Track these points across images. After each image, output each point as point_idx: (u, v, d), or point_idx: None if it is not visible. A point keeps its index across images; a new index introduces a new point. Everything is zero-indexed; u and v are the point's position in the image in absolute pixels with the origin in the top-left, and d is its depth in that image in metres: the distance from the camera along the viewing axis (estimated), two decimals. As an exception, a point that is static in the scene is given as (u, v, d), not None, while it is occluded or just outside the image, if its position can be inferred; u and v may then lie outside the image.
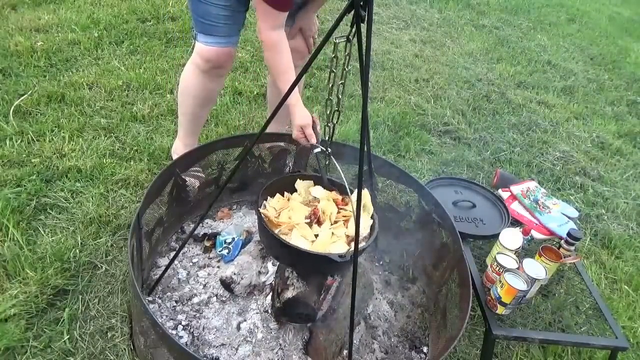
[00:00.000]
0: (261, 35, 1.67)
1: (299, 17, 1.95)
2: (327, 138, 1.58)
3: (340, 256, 1.33)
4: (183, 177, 1.88)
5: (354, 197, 1.57)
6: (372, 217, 1.54)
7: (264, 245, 1.66)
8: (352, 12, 1.00)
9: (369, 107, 2.95)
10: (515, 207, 2.20)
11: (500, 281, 1.60)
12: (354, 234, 1.43)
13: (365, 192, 1.57)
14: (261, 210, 1.50)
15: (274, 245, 1.47)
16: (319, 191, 1.63)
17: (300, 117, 1.65)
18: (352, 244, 1.40)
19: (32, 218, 1.90)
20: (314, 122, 1.68)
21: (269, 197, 1.59)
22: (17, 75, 2.63)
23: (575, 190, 2.74)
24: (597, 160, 3.07)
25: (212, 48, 1.81)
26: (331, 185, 1.64)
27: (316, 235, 1.47)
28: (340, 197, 1.61)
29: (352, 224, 1.50)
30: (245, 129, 2.60)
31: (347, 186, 1.37)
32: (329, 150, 1.55)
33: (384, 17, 4.43)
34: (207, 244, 1.87)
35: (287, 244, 1.38)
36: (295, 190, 1.64)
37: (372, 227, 1.52)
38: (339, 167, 1.41)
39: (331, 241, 1.46)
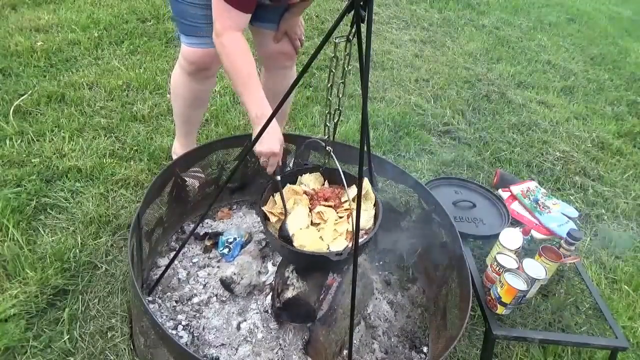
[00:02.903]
0: (222, 38, 1.48)
1: (284, 20, 1.94)
2: (327, 137, 1.57)
3: (337, 254, 1.33)
4: (183, 177, 1.88)
5: (351, 191, 1.58)
6: (374, 205, 1.53)
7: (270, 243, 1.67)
8: (352, 12, 1.00)
9: (369, 107, 2.95)
10: (515, 207, 2.20)
11: (500, 281, 1.60)
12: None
13: (365, 181, 1.56)
14: (264, 209, 1.51)
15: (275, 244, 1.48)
16: (308, 181, 1.65)
17: (264, 142, 1.41)
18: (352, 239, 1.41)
19: (32, 218, 1.90)
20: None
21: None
22: (17, 75, 2.63)
23: (575, 190, 2.74)
24: (597, 160, 3.07)
25: (196, 49, 1.77)
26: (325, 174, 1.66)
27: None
28: (332, 189, 1.61)
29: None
30: (245, 129, 2.60)
31: (341, 173, 1.33)
32: (330, 148, 1.55)
33: (384, 17, 4.43)
34: (208, 243, 1.87)
35: (286, 245, 1.39)
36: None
37: (375, 217, 1.51)
38: (337, 164, 1.40)
39: (332, 237, 1.46)
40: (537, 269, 1.66)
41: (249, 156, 1.99)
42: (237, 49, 1.50)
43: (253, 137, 1.38)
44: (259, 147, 1.44)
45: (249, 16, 1.53)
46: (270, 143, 1.44)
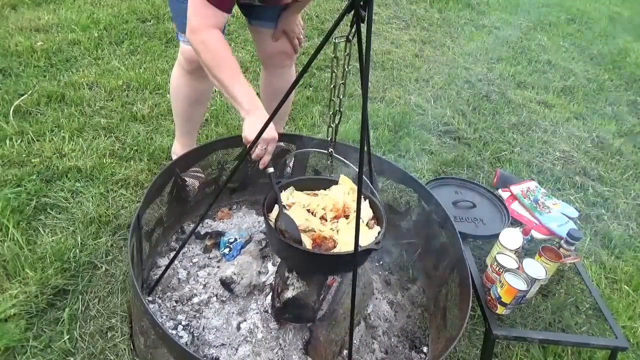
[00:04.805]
0: (201, 34, 1.44)
1: (282, 19, 1.93)
2: (329, 139, 1.57)
3: (377, 243, 1.34)
4: (183, 177, 1.88)
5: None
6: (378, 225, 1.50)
7: (280, 256, 1.59)
8: (352, 12, 1.00)
9: (369, 107, 2.95)
10: (515, 207, 2.20)
11: (500, 281, 1.60)
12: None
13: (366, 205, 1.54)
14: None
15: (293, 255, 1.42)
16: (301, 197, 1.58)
17: (250, 129, 1.39)
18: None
19: (32, 218, 1.90)
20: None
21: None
22: (17, 75, 2.63)
23: (575, 190, 2.74)
24: (597, 160, 3.07)
25: None
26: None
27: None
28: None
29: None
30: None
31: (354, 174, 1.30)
32: (332, 151, 1.55)
33: (384, 17, 4.43)
34: (209, 243, 1.87)
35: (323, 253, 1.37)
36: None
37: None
38: (350, 164, 1.39)
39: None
40: (537, 269, 1.66)
41: (249, 156, 1.99)
42: (219, 42, 1.46)
43: (244, 129, 1.39)
44: (251, 134, 1.38)
45: (227, 16, 1.50)
46: (266, 130, 1.37)
